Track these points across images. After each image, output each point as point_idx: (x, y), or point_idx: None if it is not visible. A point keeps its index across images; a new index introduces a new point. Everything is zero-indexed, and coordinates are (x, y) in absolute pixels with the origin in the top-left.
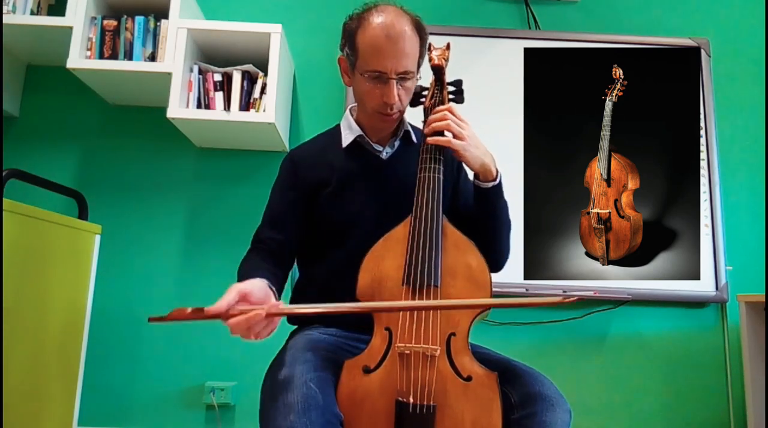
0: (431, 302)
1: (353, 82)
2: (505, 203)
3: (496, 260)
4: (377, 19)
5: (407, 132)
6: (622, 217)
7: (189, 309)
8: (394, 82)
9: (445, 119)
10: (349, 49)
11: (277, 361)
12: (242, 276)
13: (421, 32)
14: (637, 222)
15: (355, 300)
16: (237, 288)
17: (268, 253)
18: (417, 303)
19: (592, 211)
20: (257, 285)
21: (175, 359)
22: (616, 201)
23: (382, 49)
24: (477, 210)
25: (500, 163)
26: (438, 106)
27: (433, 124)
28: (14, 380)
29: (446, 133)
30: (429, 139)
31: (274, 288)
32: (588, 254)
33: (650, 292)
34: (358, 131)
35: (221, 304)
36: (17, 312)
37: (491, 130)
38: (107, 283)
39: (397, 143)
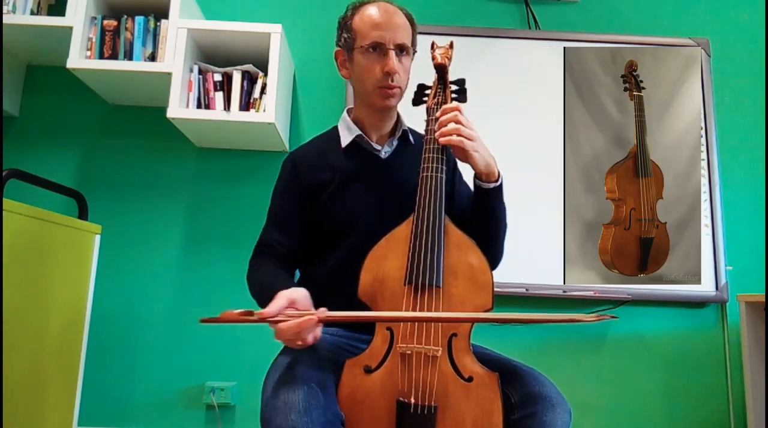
0: (455, 314)
1: (352, 67)
2: (504, 205)
3: (491, 262)
4: (372, 5)
5: (405, 131)
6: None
7: (238, 312)
8: (393, 52)
9: (457, 121)
10: (347, 33)
11: (278, 361)
12: (268, 284)
13: (412, 22)
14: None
15: (353, 299)
16: (286, 295)
17: (278, 258)
18: (447, 315)
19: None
20: (302, 293)
21: (175, 359)
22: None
23: (379, 22)
24: (476, 211)
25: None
26: (441, 105)
27: (445, 128)
28: (14, 380)
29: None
30: (442, 139)
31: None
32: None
33: (650, 292)
34: (356, 131)
35: (272, 308)
36: (17, 312)
37: (491, 130)
38: (107, 283)
39: (395, 143)
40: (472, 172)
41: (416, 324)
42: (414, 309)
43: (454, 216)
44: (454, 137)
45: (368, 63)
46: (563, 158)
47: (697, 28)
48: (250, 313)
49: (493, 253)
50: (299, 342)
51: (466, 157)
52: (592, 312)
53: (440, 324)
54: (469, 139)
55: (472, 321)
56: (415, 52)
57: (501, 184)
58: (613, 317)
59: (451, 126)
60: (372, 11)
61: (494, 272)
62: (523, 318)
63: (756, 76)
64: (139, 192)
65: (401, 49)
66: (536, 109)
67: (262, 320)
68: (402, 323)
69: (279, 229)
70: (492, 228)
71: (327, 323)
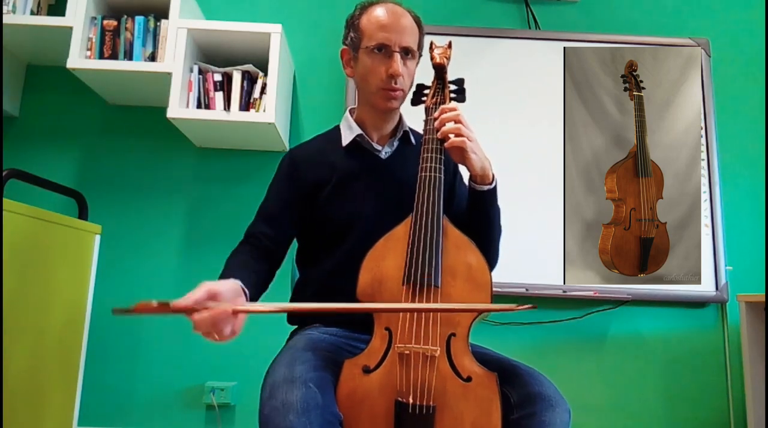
0: (412, 305)
1: (356, 66)
2: (498, 208)
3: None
4: (380, 5)
5: (406, 132)
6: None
7: (155, 303)
8: (398, 55)
9: (458, 122)
10: (353, 32)
11: (277, 361)
12: (224, 274)
13: (420, 25)
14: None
15: (352, 299)
16: (206, 286)
17: (258, 249)
18: (405, 305)
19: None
20: (228, 286)
21: (175, 359)
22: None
23: (386, 24)
24: (471, 213)
25: (497, 165)
26: (440, 105)
27: (445, 129)
28: (14, 380)
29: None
30: (447, 143)
31: (247, 291)
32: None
33: (650, 292)
34: (358, 130)
35: (188, 299)
36: (17, 312)
37: (490, 130)
38: (107, 283)
39: (396, 143)
40: (468, 174)
41: (415, 324)
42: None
43: (453, 217)
44: (456, 138)
45: (373, 64)
46: (563, 158)
47: (697, 28)
48: (167, 305)
49: (487, 256)
50: (216, 336)
51: (464, 159)
52: (592, 312)
53: (439, 324)
54: (469, 140)
55: (419, 311)
56: (420, 55)
57: (495, 187)
58: (533, 306)
59: (452, 125)
60: (380, 12)
61: (493, 272)
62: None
63: (756, 76)
64: (139, 192)
65: (406, 52)
66: (536, 109)
67: (177, 311)
68: (397, 323)
69: (268, 222)
70: (485, 230)
71: (327, 323)
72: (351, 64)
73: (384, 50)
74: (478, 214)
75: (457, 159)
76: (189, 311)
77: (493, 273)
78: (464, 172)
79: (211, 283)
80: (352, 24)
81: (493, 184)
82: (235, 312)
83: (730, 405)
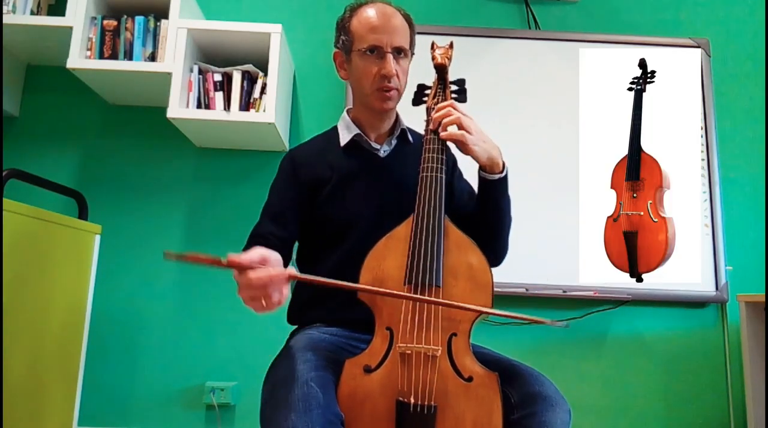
0: (439, 300)
1: (350, 68)
2: (509, 198)
3: (496, 255)
4: (369, 6)
5: (404, 131)
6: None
7: (207, 255)
8: (390, 55)
9: (451, 114)
10: (345, 35)
11: (278, 361)
12: None
13: (411, 23)
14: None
15: (355, 299)
16: (260, 250)
17: (269, 248)
18: (426, 298)
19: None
20: (277, 256)
21: (175, 359)
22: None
23: (376, 25)
24: (480, 204)
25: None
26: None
27: (444, 120)
28: (14, 380)
29: (449, 127)
30: (443, 133)
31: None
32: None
33: (650, 292)
34: (355, 130)
35: (243, 258)
36: (17, 312)
37: (490, 130)
38: (107, 283)
39: (394, 142)
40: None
41: (416, 324)
42: (413, 309)
43: (453, 212)
44: (456, 131)
45: (366, 66)
46: (563, 158)
47: (697, 28)
48: (219, 259)
49: (497, 247)
50: (263, 302)
51: (467, 150)
52: (592, 312)
53: (440, 323)
54: (469, 133)
55: (441, 304)
56: (413, 53)
57: (506, 176)
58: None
59: (449, 119)
60: (369, 13)
61: (494, 271)
62: (495, 313)
63: (756, 76)
64: (139, 192)
65: (399, 52)
66: (536, 109)
67: (232, 265)
68: (398, 323)
69: (274, 221)
70: (496, 220)
71: (328, 323)
72: (344, 67)
73: (376, 51)
74: (489, 204)
75: (461, 150)
76: (243, 268)
77: (494, 273)
78: (463, 170)
79: (262, 249)
80: (343, 27)
81: (504, 173)
82: (291, 277)
83: (730, 405)
